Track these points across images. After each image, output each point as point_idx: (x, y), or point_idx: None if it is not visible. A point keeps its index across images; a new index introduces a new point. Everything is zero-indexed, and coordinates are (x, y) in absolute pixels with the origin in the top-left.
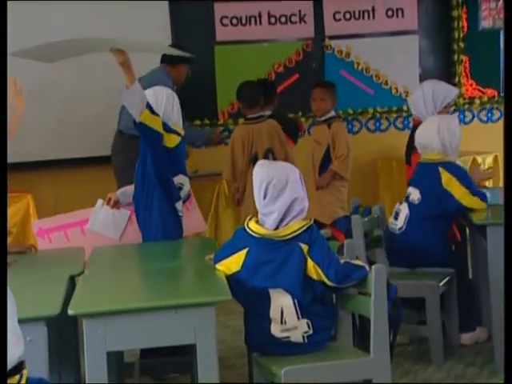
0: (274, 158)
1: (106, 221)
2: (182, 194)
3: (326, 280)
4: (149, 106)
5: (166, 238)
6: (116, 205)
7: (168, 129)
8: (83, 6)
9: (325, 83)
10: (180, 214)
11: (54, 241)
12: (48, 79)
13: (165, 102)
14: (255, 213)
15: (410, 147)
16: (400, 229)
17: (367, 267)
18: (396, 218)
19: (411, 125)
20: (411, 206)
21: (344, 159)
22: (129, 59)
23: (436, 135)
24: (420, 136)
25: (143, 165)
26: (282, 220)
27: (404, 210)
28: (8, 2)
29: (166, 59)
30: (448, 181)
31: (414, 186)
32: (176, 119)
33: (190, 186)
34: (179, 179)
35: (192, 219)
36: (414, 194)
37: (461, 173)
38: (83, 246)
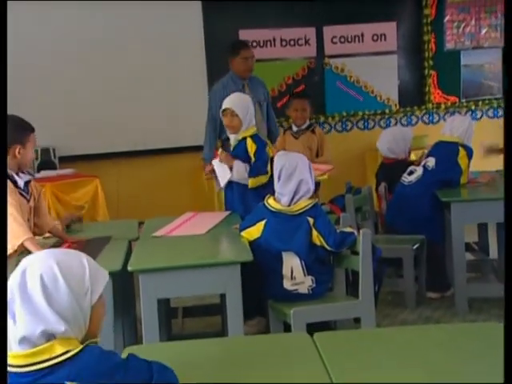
0: None
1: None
2: None
3: (326, 246)
4: None
5: None
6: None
7: None
8: (115, 7)
9: (305, 94)
10: None
11: None
12: (111, 78)
13: None
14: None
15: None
16: (409, 182)
17: (356, 232)
18: (409, 174)
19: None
20: (425, 169)
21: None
22: None
23: (466, 126)
24: (453, 123)
25: None
26: (293, 198)
27: (419, 171)
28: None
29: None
30: (462, 157)
31: (432, 156)
32: None
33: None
34: None
35: None
36: (431, 162)
37: (471, 155)
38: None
